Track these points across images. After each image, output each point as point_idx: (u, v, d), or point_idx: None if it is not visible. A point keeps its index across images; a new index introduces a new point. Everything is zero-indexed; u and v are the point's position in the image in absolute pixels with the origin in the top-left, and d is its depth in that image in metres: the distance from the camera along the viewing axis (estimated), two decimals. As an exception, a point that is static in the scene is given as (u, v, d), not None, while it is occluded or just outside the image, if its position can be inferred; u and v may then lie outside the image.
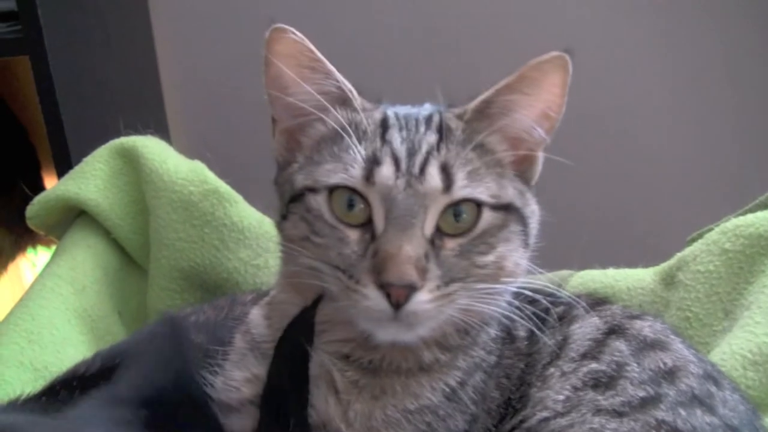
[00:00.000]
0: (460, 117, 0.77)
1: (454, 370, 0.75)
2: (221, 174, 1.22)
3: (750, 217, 1.06)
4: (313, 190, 0.73)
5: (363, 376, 0.75)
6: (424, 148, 0.73)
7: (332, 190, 0.72)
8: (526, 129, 0.77)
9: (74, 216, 1.23)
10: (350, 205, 0.72)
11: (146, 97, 1.90)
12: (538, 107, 0.76)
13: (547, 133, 0.77)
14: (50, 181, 1.75)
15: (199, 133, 1.95)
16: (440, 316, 0.71)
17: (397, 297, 0.68)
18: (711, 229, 1.10)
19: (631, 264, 1.17)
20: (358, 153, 0.72)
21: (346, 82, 0.77)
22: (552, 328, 0.77)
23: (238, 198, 1.19)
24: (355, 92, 0.78)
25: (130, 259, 1.23)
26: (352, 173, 0.71)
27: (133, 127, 1.26)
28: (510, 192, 0.75)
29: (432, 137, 0.74)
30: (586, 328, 0.77)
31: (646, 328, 0.78)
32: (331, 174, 0.72)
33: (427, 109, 0.80)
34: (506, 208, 0.74)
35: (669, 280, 1.11)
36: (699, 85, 1.78)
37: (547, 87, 0.75)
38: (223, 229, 1.18)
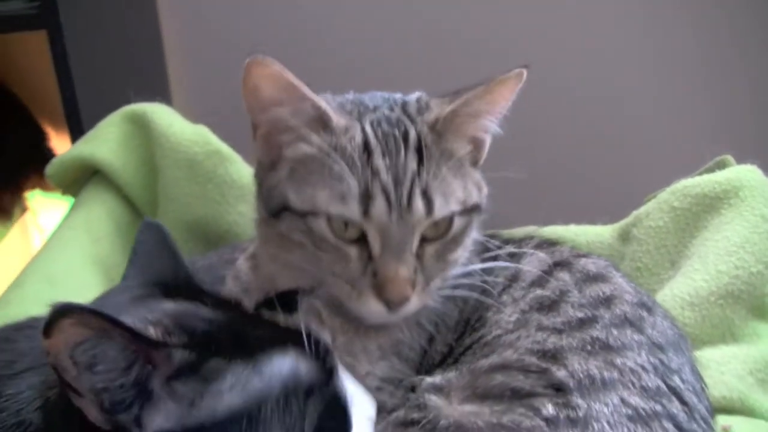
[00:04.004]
0: (432, 128, 0.84)
1: (424, 311, 0.87)
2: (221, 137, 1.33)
3: (697, 179, 1.17)
4: (313, 214, 0.82)
5: (346, 322, 0.87)
6: (408, 176, 0.81)
7: (331, 216, 0.81)
8: (485, 129, 0.88)
9: (89, 175, 1.34)
10: (346, 227, 0.82)
11: (150, 71, 2.02)
12: (497, 112, 0.87)
13: (498, 125, 0.89)
14: (59, 145, 1.87)
15: (199, 102, 2.05)
16: (420, 305, 0.84)
17: (395, 307, 0.82)
18: (664, 190, 1.22)
19: (595, 222, 1.30)
20: (352, 186, 0.80)
21: (324, 103, 0.83)
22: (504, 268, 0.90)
23: (237, 158, 1.30)
24: (331, 113, 0.82)
25: (139, 213, 1.33)
26: (352, 208, 0.79)
27: (138, 97, 1.37)
28: (473, 193, 0.86)
29: (413, 162, 0.82)
30: (534, 262, 0.89)
31: (590, 264, 0.89)
32: (330, 203, 0.80)
33: (396, 109, 0.87)
34: (471, 210, 0.87)
35: (625, 236, 1.22)
36: (669, 54, 1.89)
37: (507, 97, 0.86)
38: (224, 186, 1.29)
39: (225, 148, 1.30)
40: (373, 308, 0.82)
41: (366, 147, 0.82)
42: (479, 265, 0.88)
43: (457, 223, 0.85)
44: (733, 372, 1.00)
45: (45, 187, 1.96)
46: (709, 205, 1.14)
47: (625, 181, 1.49)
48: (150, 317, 0.63)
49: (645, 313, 0.85)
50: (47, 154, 1.85)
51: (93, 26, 1.65)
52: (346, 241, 0.82)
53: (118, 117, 1.33)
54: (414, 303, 0.82)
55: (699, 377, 0.85)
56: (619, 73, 1.92)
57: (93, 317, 0.55)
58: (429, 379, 0.81)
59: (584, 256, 0.92)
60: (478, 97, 0.84)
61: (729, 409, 0.96)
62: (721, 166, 1.21)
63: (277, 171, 0.86)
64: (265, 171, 0.89)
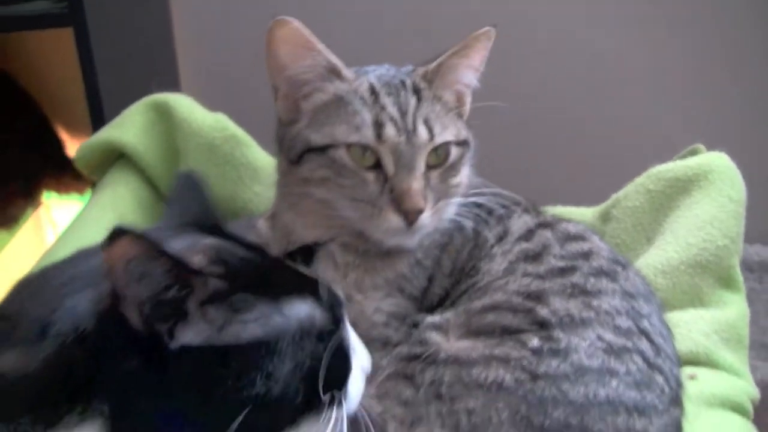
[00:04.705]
0: (424, 77, 1.01)
1: (422, 248, 1.00)
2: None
3: (670, 164, 1.28)
4: (333, 146, 0.96)
5: (356, 258, 1.00)
6: (411, 110, 0.97)
7: (350, 145, 0.96)
8: (465, 81, 1.04)
9: (113, 159, 1.44)
10: (363, 154, 0.96)
11: (162, 67, 2.14)
12: (473, 65, 1.03)
13: (476, 80, 1.04)
14: (72, 138, 1.98)
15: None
16: (433, 224, 0.98)
17: (412, 218, 0.94)
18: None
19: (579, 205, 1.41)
20: (365, 118, 0.95)
21: (335, 58, 0.99)
22: (497, 220, 1.02)
23: (253, 143, 1.41)
24: (342, 65, 0.99)
25: (160, 194, 1.43)
26: (366, 134, 0.94)
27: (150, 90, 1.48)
28: (462, 131, 1.02)
29: (413, 100, 0.98)
30: (520, 222, 1.02)
31: (570, 226, 1.01)
32: (348, 134, 0.95)
33: (391, 70, 1.04)
34: (463, 143, 1.02)
35: (605, 217, 1.32)
36: (655, 55, 2.02)
37: (480, 51, 1.02)
38: (240, 168, 1.40)
39: (241, 133, 1.42)
40: (393, 222, 0.95)
41: (372, 90, 0.98)
42: (474, 198, 1.03)
43: (453, 152, 1.00)
44: (701, 331, 1.11)
45: (60, 190, 2.06)
46: (682, 188, 1.25)
47: (607, 169, 1.60)
48: (197, 246, 0.74)
49: (619, 268, 0.96)
50: (63, 163, 1.95)
51: (114, 24, 1.77)
52: (364, 168, 0.96)
53: (142, 105, 1.44)
54: (427, 217, 0.95)
55: (666, 325, 0.96)
56: (608, 72, 2.05)
57: (143, 241, 0.64)
58: (429, 319, 0.93)
59: (565, 221, 1.03)
60: (456, 52, 1.01)
61: (695, 362, 1.07)
62: (693, 153, 1.32)
63: (298, 124, 1.00)
64: (285, 128, 1.02)
